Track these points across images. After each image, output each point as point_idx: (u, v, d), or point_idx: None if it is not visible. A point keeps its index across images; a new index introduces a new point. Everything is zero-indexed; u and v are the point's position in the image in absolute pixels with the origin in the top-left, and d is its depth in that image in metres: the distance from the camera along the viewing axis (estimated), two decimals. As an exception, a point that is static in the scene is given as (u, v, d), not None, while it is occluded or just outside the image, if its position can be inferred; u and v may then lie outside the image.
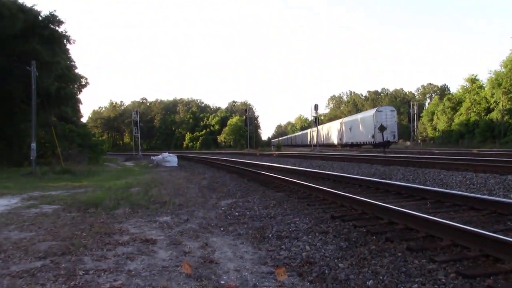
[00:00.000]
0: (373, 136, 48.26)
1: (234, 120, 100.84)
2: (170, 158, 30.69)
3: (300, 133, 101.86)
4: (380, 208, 7.50)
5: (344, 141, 60.20)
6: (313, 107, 64.00)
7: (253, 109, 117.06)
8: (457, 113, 66.54)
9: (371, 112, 52.34)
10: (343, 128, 61.45)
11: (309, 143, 77.82)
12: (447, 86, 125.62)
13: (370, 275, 4.78)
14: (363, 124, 52.39)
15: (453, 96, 73.80)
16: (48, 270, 5.22)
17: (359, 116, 57.16)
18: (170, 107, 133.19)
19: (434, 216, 6.65)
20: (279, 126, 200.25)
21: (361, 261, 5.24)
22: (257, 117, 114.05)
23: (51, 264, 5.47)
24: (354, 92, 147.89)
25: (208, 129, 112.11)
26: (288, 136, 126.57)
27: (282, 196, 11.01)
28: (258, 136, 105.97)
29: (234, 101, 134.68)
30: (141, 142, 71.65)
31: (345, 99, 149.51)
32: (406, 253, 5.41)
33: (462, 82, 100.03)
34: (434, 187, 10.96)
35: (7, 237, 7.17)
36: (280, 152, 44.25)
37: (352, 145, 56.06)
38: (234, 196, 11.82)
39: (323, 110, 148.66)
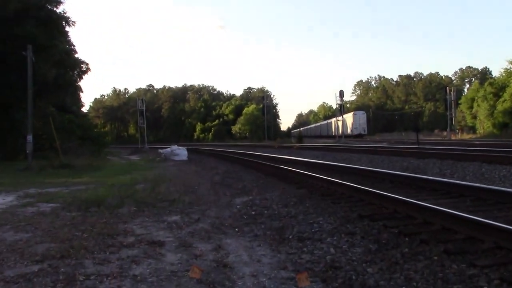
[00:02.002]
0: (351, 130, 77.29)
1: (250, 108, 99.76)
2: (179, 151, 31.00)
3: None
4: (413, 206, 7.43)
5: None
6: (338, 94, 64.54)
7: (271, 96, 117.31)
8: (500, 100, 65.69)
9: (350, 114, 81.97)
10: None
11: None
12: (488, 70, 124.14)
13: (402, 281, 4.73)
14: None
15: (495, 80, 72.86)
16: (45, 275, 5.26)
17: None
18: (179, 95, 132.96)
19: (474, 215, 6.53)
20: (299, 115, 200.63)
21: (392, 265, 5.20)
22: (275, 105, 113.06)
23: (49, 269, 5.51)
24: (383, 77, 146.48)
25: (221, 119, 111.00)
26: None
27: (303, 193, 10.97)
28: (276, 126, 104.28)
29: (250, 88, 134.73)
30: (147, 133, 72.21)
31: (374, 85, 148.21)
32: (443, 257, 5.34)
33: (505, 64, 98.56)
34: (475, 182, 10.79)
35: (1, 238, 7.26)
36: (301, 144, 44.54)
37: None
38: (251, 193, 11.79)
39: (349, 97, 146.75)
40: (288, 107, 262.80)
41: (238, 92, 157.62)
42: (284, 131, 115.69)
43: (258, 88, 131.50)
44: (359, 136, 74.12)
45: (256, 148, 40.88)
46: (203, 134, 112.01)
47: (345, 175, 13.52)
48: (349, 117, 79.18)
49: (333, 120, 78.15)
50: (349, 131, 77.07)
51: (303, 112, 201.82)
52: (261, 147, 42.17)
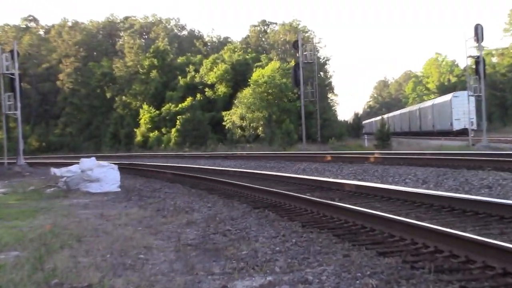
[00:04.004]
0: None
1: (266, 70, 59.11)
2: (102, 173, 20.42)
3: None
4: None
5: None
6: (469, 37, 35.72)
7: (316, 43, 67.57)
8: None
9: None
10: None
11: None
12: None
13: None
14: None
15: None
16: None
17: None
18: (100, 40, 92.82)
19: None
20: (377, 91, 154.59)
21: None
22: (325, 60, 76.52)
23: None
24: None
25: (200, 96, 67.75)
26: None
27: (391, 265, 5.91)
28: (328, 111, 63.99)
29: (265, 23, 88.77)
30: (25, 132, 46.50)
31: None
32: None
33: None
34: None
35: None
36: (388, 152, 29.65)
37: None
38: (270, 269, 6.73)
39: (494, 40, 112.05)
40: (351, 74, 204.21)
41: (240, 33, 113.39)
42: (343, 122, 78.98)
43: (285, 23, 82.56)
44: (463, 132, 53.01)
45: (282, 163, 26.30)
46: (154, 133, 68.26)
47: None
48: (444, 103, 61.12)
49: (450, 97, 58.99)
50: (448, 123, 58.21)
51: (386, 83, 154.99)
52: (294, 161, 26.19)
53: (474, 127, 50.73)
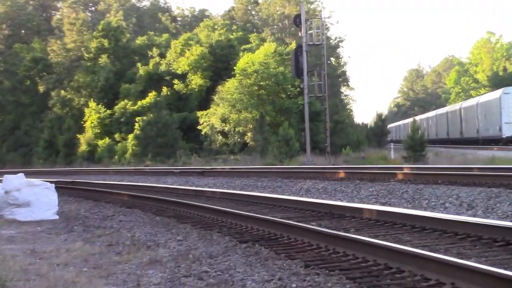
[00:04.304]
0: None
1: (257, 54, 61.32)
2: (33, 194, 21.21)
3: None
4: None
5: None
6: None
7: (323, 17, 58.62)
8: None
9: None
10: None
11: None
12: None
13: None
14: None
15: None
16: None
17: None
18: (30, 13, 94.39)
19: None
20: (408, 84, 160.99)
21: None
22: (337, 42, 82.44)
23: None
24: None
25: (166, 90, 70.39)
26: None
27: None
28: (342, 111, 70.18)
29: None
30: None
31: None
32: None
33: None
34: None
35: None
36: (424, 166, 30.27)
37: None
38: None
39: None
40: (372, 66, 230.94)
41: (221, 4, 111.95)
42: (363, 125, 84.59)
43: None
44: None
45: (280, 183, 29.81)
46: (104, 140, 69.91)
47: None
48: (491, 101, 61.73)
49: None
50: (496, 128, 59.08)
51: (420, 73, 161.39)
52: (296, 176, 30.08)
53: None
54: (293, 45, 57.24)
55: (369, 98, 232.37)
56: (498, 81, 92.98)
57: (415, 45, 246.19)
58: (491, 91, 75.60)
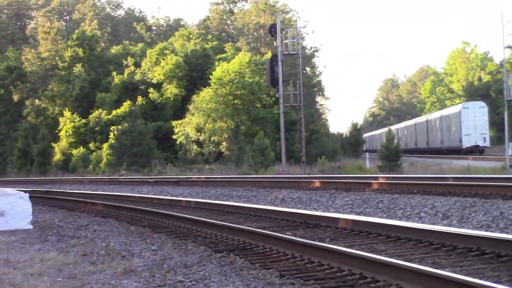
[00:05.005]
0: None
1: (232, 64, 61.72)
2: (7, 204, 20.67)
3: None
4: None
5: None
6: (508, 20, 38.70)
7: (298, 27, 58.24)
8: None
9: None
10: None
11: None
12: None
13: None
14: None
15: None
16: None
17: None
18: (4, 21, 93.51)
19: None
20: (383, 94, 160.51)
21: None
22: (312, 52, 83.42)
23: None
24: None
25: (142, 99, 71.68)
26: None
27: None
28: (317, 121, 68.16)
29: (231, 0, 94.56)
30: None
31: None
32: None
33: None
34: None
35: None
36: (399, 176, 29.92)
37: None
38: None
39: None
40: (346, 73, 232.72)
41: (197, 13, 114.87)
42: (338, 135, 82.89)
43: (258, 1, 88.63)
44: (475, 150, 62.67)
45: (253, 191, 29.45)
46: (79, 150, 69.46)
47: None
48: (453, 115, 67.60)
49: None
50: (457, 139, 65.15)
51: (394, 82, 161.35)
52: (268, 185, 30.73)
53: (487, 144, 62.07)
54: (269, 55, 57.10)
55: (344, 107, 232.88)
56: (473, 91, 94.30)
57: (391, 55, 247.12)
58: (466, 101, 79.19)
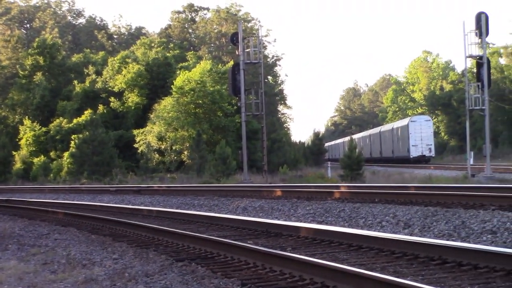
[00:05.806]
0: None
1: (194, 72, 61.67)
2: None
3: (396, 125, 78.54)
4: None
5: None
6: (469, 30, 36.16)
7: (260, 36, 52.33)
8: None
9: None
10: None
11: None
12: None
13: None
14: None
15: None
16: None
17: None
18: None
19: None
20: (345, 103, 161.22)
21: None
22: (274, 60, 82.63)
23: None
24: None
25: (103, 108, 70.67)
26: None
27: None
28: (279, 130, 70.05)
29: (193, 8, 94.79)
30: None
31: None
32: None
33: None
34: None
35: None
36: (361, 185, 30.38)
37: None
38: None
39: (503, 35, 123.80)
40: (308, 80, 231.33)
41: (158, 21, 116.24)
42: (300, 144, 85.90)
43: (220, 9, 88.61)
44: (422, 159, 69.18)
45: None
46: (40, 158, 68.36)
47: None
48: (402, 127, 73.82)
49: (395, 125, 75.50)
50: (405, 149, 71.58)
51: (356, 90, 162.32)
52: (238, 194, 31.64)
53: (432, 154, 69.80)
54: (230, 64, 56.66)
55: (306, 116, 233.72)
56: (435, 100, 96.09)
57: (353, 64, 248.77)
58: (429, 110, 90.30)
